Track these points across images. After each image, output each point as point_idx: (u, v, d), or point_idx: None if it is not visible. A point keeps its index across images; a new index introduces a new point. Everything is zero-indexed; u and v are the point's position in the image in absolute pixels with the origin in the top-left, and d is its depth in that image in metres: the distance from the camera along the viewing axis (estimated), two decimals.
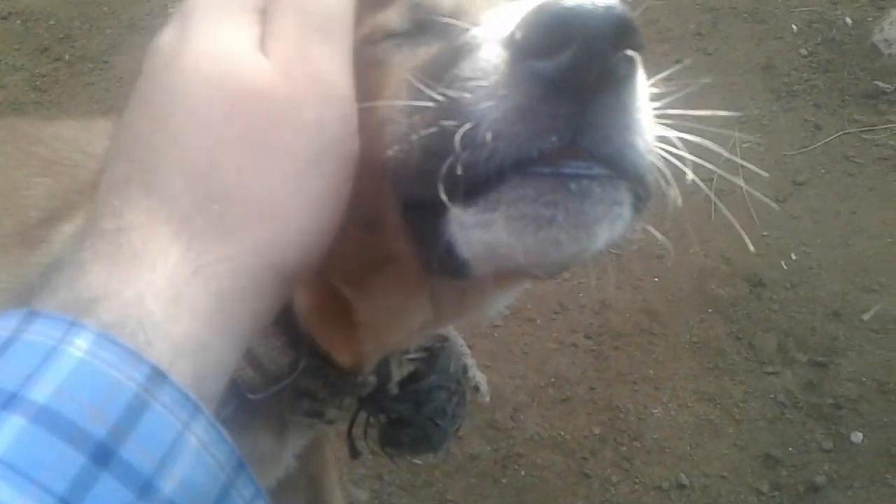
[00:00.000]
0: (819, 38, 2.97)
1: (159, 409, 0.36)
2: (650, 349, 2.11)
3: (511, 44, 0.46)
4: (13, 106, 3.13)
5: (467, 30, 0.51)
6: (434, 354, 0.89)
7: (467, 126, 0.46)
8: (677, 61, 2.97)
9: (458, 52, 0.50)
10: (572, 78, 0.44)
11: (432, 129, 0.48)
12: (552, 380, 2.06)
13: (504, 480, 1.89)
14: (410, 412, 0.88)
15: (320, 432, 0.88)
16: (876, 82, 2.75)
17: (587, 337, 2.15)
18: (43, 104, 3.14)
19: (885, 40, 2.88)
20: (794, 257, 2.26)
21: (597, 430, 1.95)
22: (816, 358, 2.02)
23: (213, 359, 0.41)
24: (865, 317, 2.09)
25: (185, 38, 0.48)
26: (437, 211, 0.50)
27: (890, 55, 2.85)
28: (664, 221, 2.27)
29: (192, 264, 0.42)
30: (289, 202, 0.45)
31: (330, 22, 0.48)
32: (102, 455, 0.34)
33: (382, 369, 0.82)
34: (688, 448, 1.91)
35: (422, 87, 0.49)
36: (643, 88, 0.50)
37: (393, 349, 0.82)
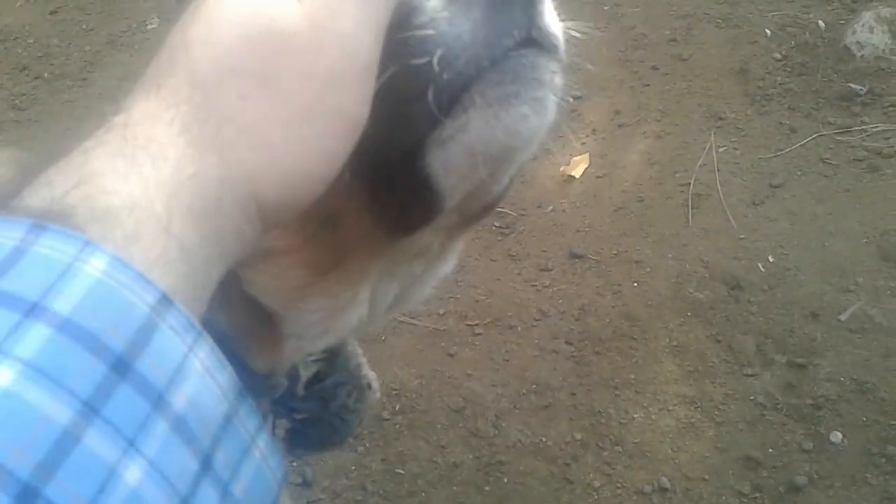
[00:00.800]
0: (792, 42, 3.01)
1: (167, 331, 0.39)
2: (630, 354, 2.12)
3: None
4: None
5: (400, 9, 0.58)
6: (335, 354, 0.93)
7: (439, 52, 0.55)
8: (653, 67, 3.01)
9: (402, 22, 0.56)
10: None
11: (404, 80, 0.55)
12: (533, 386, 2.07)
13: (487, 488, 1.90)
14: (318, 410, 0.91)
15: None
16: (849, 84, 2.79)
17: (568, 343, 2.16)
18: (22, 122, 3.13)
19: (858, 43, 2.92)
20: (771, 259, 2.28)
21: (579, 436, 1.96)
22: (795, 359, 2.04)
23: (201, 269, 0.44)
24: (843, 317, 2.11)
25: None
26: (412, 153, 0.58)
27: (862, 57, 2.88)
28: (642, 227, 2.27)
29: (188, 170, 0.44)
30: (282, 140, 0.47)
31: None
32: (121, 366, 0.37)
33: (291, 371, 0.85)
34: (669, 451, 1.92)
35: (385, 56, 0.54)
36: None
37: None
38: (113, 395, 0.36)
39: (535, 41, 0.58)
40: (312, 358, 0.89)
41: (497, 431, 1.99)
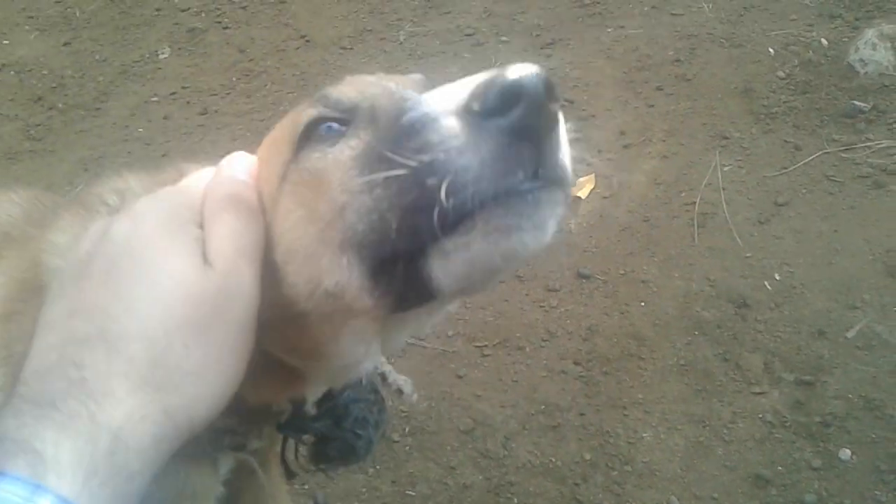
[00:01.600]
0: (796, 61, 3.03)
1: None
2: (639, 373, 2.13)
3: (469, 111, 0.60)
4: (8, 155, 3.18)
5: (408, 109, 0.65)
6: None
7: (448, 179, 0.59)
8: (657, 88, 3.04)
9: (413, 126, 0.63)
10: (527, 126, 0.60)
11: (410, 191, 0.61)
12: (542, 407, 2.08)
13: None
14: (330, 428, 0.94)
15: (257, 461, 0.94)
16: (853, 102, 2.80)
17: (576, 363, 2.17)
18: (37, 153, 3.19)
19: (861, 60, 2.94)
20: (777, 277, 2.29)
21: (588, 456, 1.97)
22: (803, 377, 2.04)
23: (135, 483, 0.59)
24: (850, 334, 2.11)
25: (145, 248, 0.65)
26: (414, 256, 0.64)
27: (866, 74, 2.90)
28: (649, 246, 2.30)
29: (141, 412, 0.58)
30: (214, 373, 0.63)
31: (254, 247, 0.69)
32: None
33: (295, 396, 0.88)
34: (678, 470, 1.92)
35: (392, 155, 0.62)
36: (564, 123, 0.65)
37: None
38: None
39: (543, 176, 0.62)
40: None
41: (507, 452, 2.00)
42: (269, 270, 0.71)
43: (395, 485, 1.96)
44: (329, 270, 0.69)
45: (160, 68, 3.65)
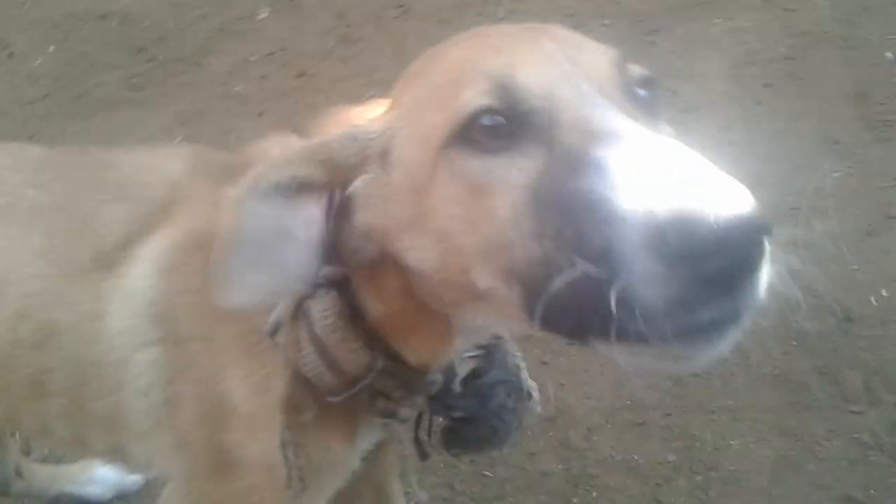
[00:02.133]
0: None
1: None
2: (730, 379, 2.07)
3: (666, 241, 0.54)
4: (109, 103, 3.25)
5: (586, 161, 0.61)
6: (491, 351, 0.96)
7: (633, 306, 0.56)
8: (766, 85, 2.93)
9: (595, 213, 0.58)
10: (725, 277, 0.55)
11: (589, 292, 0.58)
12: (628, 403, 2.05)
13: (575, 500, 1.88)
14: (476, 408, 0.94)
15: (387, 439, 0.97)
16: None
17: None
18: (137, 103, 3.26)
19: None
20: (885, 293, 2.19)
21: (672, 458, 1.93)
22: None
23: None
24: None
25: None
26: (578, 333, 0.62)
27: None
28: None
29: None
30: None
31: None
32: None
33: (447, 369, 0.89)
34: (765, 483, 1.87)
35: (572, 256, 0.58)
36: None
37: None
38: None
39: (734, 308, 0.58)
40: (469, 354, 0.92)
41: (588, 444, 1.97)
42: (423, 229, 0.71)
43: (474, 464, 1.96)
44: (485, 279, 0.68)
45: (258, 28, 3.67)
